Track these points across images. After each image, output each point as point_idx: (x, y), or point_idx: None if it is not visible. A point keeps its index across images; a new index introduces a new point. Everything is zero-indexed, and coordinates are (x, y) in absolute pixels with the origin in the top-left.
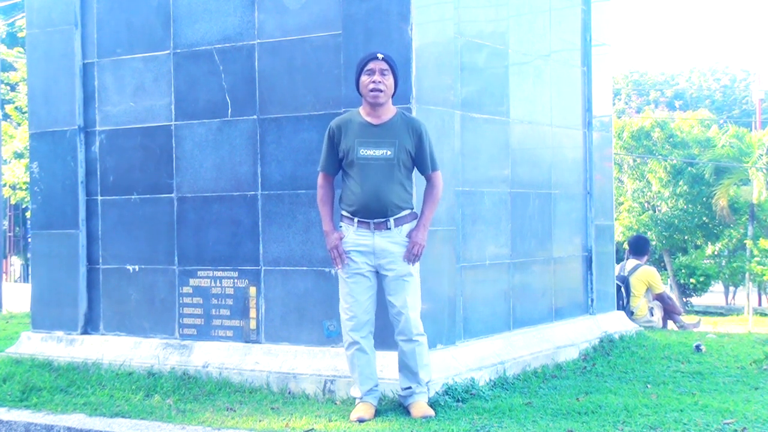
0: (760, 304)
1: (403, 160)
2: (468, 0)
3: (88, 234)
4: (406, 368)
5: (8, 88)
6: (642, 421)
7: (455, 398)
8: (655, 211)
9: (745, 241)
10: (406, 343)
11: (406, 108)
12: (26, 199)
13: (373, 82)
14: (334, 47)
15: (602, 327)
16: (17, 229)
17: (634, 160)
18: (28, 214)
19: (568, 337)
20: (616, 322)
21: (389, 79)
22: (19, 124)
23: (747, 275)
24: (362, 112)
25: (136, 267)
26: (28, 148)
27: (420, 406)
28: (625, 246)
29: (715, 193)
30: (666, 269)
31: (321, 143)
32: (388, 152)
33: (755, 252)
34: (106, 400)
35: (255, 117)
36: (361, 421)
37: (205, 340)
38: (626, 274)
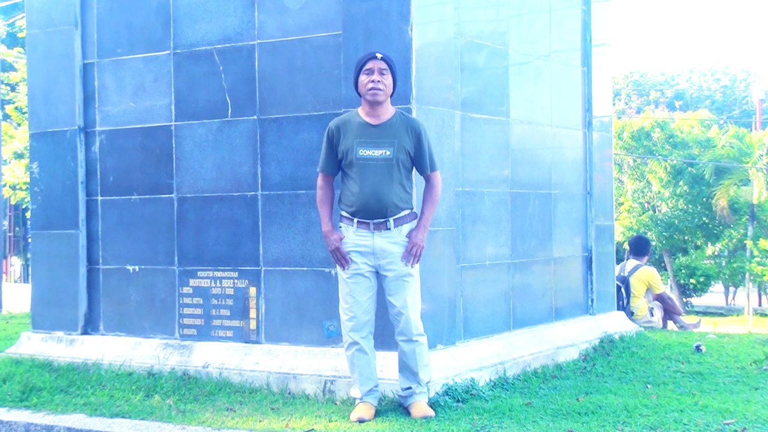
0: (760, 305)
1: (402, 160)
2: (468, 0)
3: (88, 234)
4: (407, 368)
5: (8, 88)
6: (642, 421)
7: (455, 398)
8: (655, 212)
9: (745, 242)
10: (407, 344)
11: (406, 108)
12: (26, 200)
13: (372, 81)
14: (334, 47)
15: (602, 327)
16: (17, 229)
17: (634, 161)
18: (28, 215)
19: (568, 338)
20: (616, 323)
21: (388, 79)
22: (19, 124)
23: (747, 275)
24: (361, 113)
25: (136, 267)
26: (28, 148)
27: (420, 407)
28: (626, 246)
29: (715, 194)
30: (666, 269)
31: (321, 143)
32: (387, 152)
33: (755, 252)
34: (106, 400)
35: (255, 117)
36: (361, 421)
37: (205, 340)
38: (626, 274)
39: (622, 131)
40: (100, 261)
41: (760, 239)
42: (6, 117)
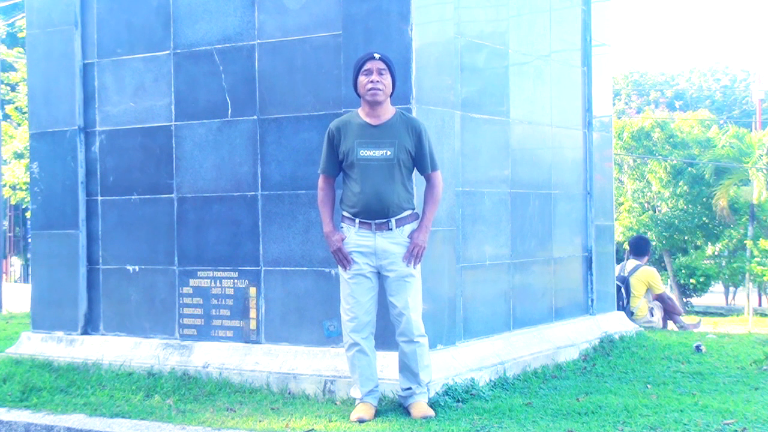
0: (760, 305)
1: (403, 160)
2: (468, 0)
3: (88, 234)
4: (407, 369)
5: (8, 88)
6: (642, 421)
7: (455, 398)
8: (655, 212)
9: (745, 242)
10: (407, 344)
11: (406, 108)
12: (26, 200)
13: (371, 81)
14: (335, 47)
15: (602, 327)
16: (17, 229)
17: (634, 161)
18: (28, 215)
19: (568, 338)
20: (616, 323)
21: (387, 79)
22: (19, 124)
23: (747, 275)
24: (361, 113)
25: (136, 267)
26: (28, 148)
27: (420, 407)
28: (626, 246)
29: (715, 194)
30: (666, 269)
31: (321, 143)
32: (388, 152)
33: (755, 252)
34: (106, 400)
35: (255, 117)
36: (361, 421)
37: (205, 340)
38: (626, 274)
39: (622, 131)
40: (100, 261)
41: (760, 239)
42: (6, 117)
